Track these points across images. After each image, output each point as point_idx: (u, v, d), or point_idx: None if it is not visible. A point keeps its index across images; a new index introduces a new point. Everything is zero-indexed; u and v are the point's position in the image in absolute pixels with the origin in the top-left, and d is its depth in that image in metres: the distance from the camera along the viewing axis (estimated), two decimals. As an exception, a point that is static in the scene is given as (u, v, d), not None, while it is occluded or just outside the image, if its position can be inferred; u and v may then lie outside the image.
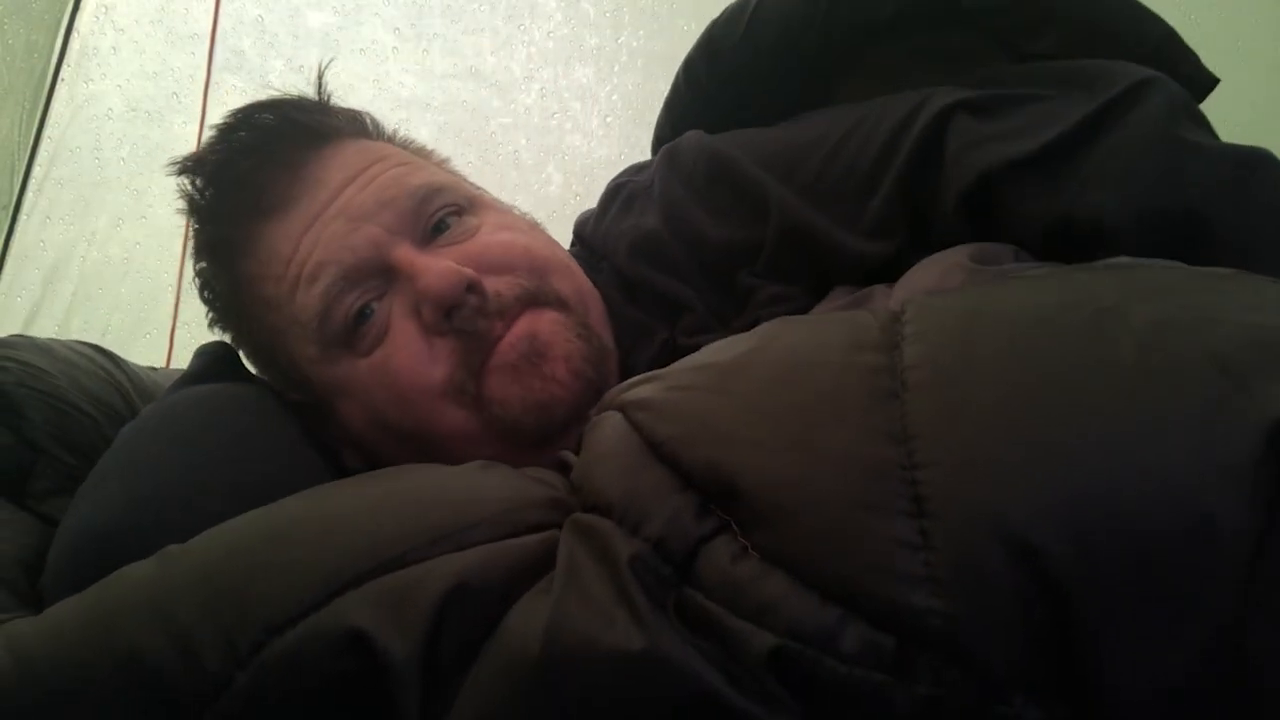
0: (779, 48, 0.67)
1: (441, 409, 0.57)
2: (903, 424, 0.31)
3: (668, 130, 0.76)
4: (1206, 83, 0.60)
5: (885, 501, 0.29)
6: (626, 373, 0.62)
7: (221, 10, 1.69)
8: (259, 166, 0.61)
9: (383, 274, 0.58)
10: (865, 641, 0.28)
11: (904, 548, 0.28)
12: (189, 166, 0.63)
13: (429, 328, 0.57)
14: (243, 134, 0.63)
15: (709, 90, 0.72)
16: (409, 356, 0.57)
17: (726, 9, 0.71)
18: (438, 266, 0.56)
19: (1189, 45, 0.60)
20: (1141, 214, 0.49)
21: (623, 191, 0.70)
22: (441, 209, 0.61)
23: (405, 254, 0.57)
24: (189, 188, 0.63)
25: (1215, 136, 0.54)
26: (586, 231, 0.71)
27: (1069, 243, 0.51)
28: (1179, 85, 0.54)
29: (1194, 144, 0.50)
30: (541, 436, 0.56)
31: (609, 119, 1.75)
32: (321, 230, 0.58)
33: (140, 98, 1.68)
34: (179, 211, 0.65)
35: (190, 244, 0.65)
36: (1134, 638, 0.26)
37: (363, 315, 0.58)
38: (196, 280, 0.66)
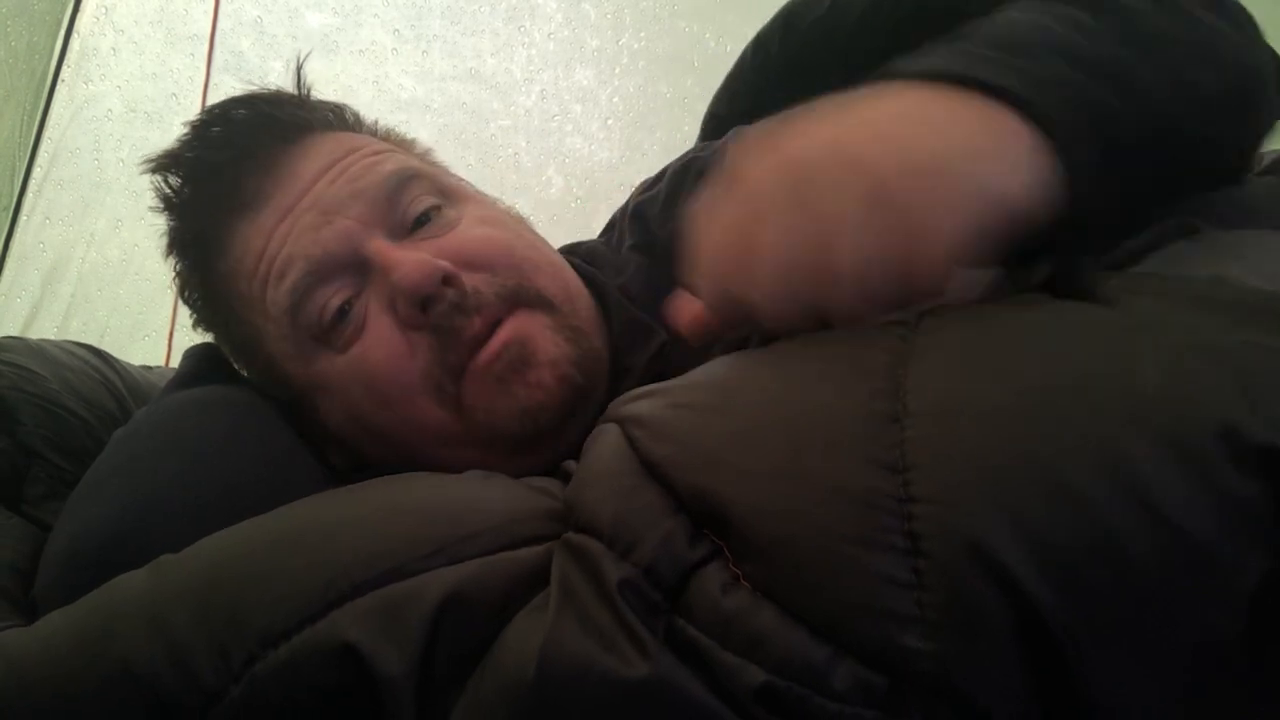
0: (865, 21, 0.64)
1: (421, 406, 0.56)
2: (901, 451, 0.29)
3: (724, 105, 0.73)
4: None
5: (877, 537, 0.28)
6: (622, 373, 0.61)
7: (221, 11, 1.70)
8: (233, 162, 0.59)
9: (357, 268, 0.57)
10: (856, 679, 0.27)
11: (895, 586, 0.27)
12: (163, 163, 0.62)
13: (405, 322, 0.55)
14: (216, 129, 0.61)
15: (776, 62, 0.69)
16: (386, 352, 0.56)
17: None
18: (412, 259, 0.54)
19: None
20: None
21: (693, 169, 0.66)
22: (417, 198, 0.59)
23: (379, 247, 0.56)
24: (163, 185, 0.62)
25: None
26: (654, 212, 0.66)
27: None
28: None
29: None
30: (524, 442, 0.55)
31: (610, 121, 1.74)
32: (293, 224, 0.57)
33: (140, 99, 1.69)
34: (151, 209, 0.64)
35: (165, 242, 0.64)
36: (1128, 669, 0.26)
37: (342, 312, 0.57)
38: (176, 280, 0.65)
